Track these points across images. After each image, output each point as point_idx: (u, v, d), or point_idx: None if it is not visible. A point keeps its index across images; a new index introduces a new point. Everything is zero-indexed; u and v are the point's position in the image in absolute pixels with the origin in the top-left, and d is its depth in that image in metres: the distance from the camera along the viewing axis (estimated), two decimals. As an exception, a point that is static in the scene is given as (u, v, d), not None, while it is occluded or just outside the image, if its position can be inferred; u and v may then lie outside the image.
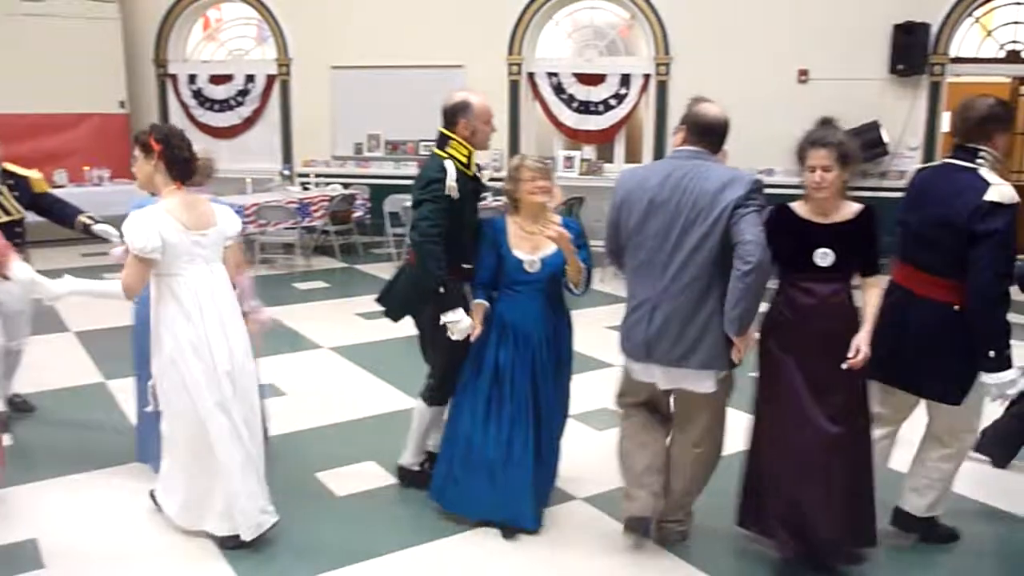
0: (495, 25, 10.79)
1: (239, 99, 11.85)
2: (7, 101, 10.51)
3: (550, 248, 3.67)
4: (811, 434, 3.24)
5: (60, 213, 4.82)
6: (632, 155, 11.22)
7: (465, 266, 3.81)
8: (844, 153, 3.22)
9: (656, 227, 3.27)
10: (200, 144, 4.51)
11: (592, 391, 4.89)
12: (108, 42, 11.20)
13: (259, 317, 4.05)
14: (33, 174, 4.80)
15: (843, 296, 3.31)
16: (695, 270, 3.23)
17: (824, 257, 3.25)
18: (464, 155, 3.79)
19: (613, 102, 10.74)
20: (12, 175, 4.68)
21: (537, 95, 10.97)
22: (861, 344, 3.23)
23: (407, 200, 9.62)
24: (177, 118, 12.01)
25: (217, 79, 11.90)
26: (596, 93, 10.77)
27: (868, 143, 9.45)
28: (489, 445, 3.67)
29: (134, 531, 3.75)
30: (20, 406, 5.01)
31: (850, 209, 3.30)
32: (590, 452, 4.49)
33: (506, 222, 3.77)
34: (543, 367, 3.71)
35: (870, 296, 3.33)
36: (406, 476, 4.18)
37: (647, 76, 10.60)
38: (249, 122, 11.87)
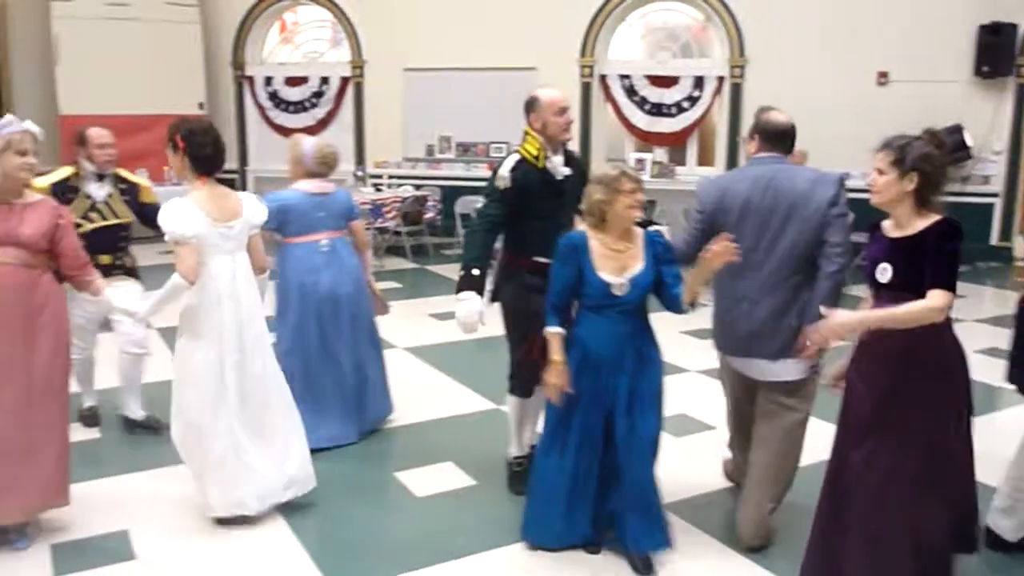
0: (568, 27, 10.78)
1: (313, 101, 12.05)
2: (91, 103, 10.81)
3: (638, 266, 3.34)
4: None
5: None
6: (704, 158, 11.11)
7: (539, 259, 3.82)
8: (902, 157, 2.87)
9: (751, 227, 3.46)
10: (320, 139, 4.88)
11: (668, 396, 4.82)
12: (188, 45, 11.48)
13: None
14: (144, 182, 4.91)
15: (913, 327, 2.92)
16: (791, 266, 3.45)
17: (883, 272, 2.96)
18: (534, 148, 3.86)
19: (686, 104, 10.64)
20: (124, 180, 4.79)
21: (609, 97, 10.93)
22: (828, 324, 2.96)
23: (479, 202, 9.67)
24: (253, 119, 12.28)
25: (292, 81, 12.12)
26: (669, 95, 10.69)
27: (950, 147, 9.19)
28: (552, 473, 3.47)
29: (221, 522, 3.82)
30: (151, 423, 4.93)
31: (924, 222, 2.90)
32: (669, 458, 4.43)
33: (586, 239, 3.36)
34: (626, 397, 3.35)
35: (908, 303, 2.85)
36: (508, 469, 4.24)
37: (721, 78, 10.49)
38: (323, 123, 12.04)
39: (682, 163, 10.95)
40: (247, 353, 3.75)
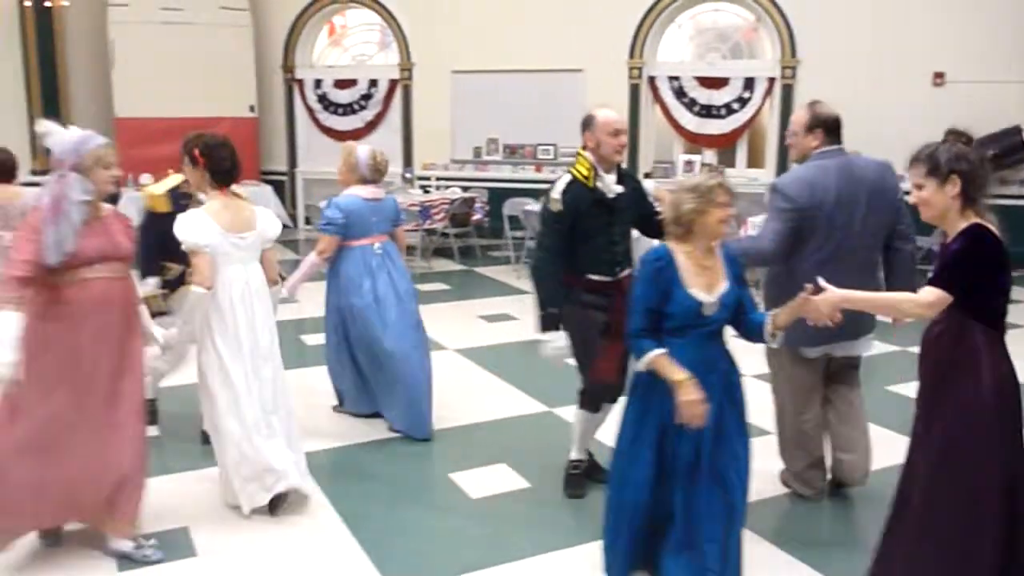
0: (616, 29, 10.73)
1: (362, 103, 12.14)
2: (145, 105, 11.05)
3: (724, 284, 3.05)
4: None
5: None
6: (754, 160, 11.00)
7: (594, 277, 3.85)
8: (935, 165, 2.75)
9: (843, 218, 3.65)
10: (371, 146, 4.96)
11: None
12: (240, 49, 11.63)
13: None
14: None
15: (941, 327, 2.82)
16: (875, 250, 3.80)
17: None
18: (585, 168, 3.83)
19: (736, 106, 10.53)
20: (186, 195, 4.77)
21: (657, 99, 10.87)
22: (827, 299, 2.89)
23: (527, 203, 9.68)
24: (303, 122, 12.41)
25: (341, 84, 12.22)
26: (718, 97, 10.59)
27: (1008, 149, 9.01)
28: (643, 509, 3.16)
29: (279, 521, 3.86)
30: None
31: (963, 225, 2.77)
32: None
33: (672, 253, 3.04)
34: (712, 430, 3.04)
35: (893, 292, 3.08)
36: (566, 472, 4.23)
37: (772, 79, 10.37)
38: (371, 126, 12.13)
39: (732, 165, 10.84)
40: (259, 359, 3.85)
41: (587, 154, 3.85)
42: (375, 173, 4.86)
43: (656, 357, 2.98)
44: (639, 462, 3.11)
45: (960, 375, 2.76)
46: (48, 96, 10.88)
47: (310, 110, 12.38)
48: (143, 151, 11.13)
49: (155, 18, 11.07)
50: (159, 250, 4.35)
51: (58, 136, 3.35)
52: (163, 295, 4.37)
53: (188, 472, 4.36)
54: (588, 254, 3.84)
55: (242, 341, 3.80)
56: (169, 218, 4.01)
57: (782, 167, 10.11)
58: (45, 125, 3.39)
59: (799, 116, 3.88)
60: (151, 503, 3.69)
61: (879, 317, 3.83)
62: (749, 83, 10.49)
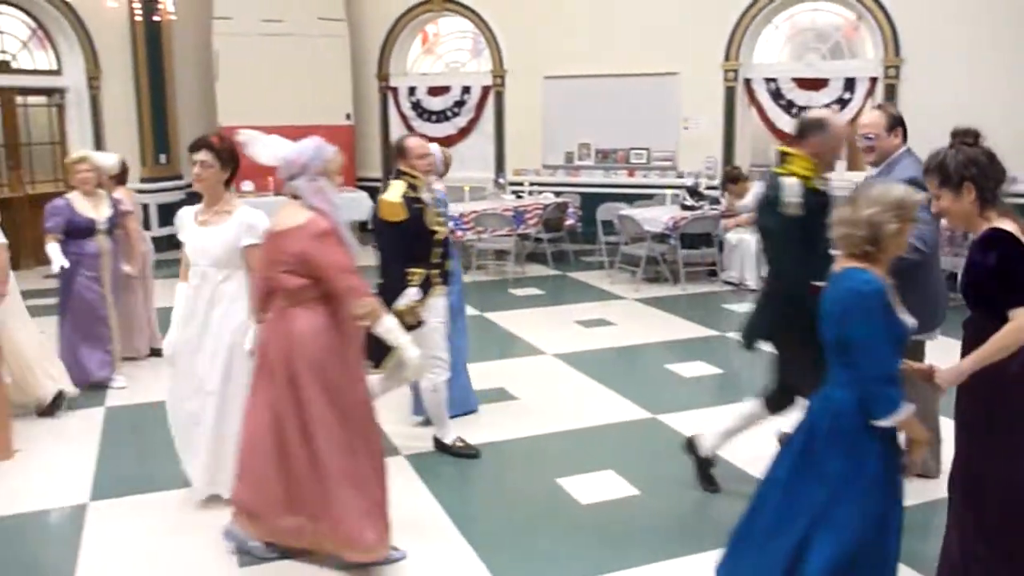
0: (711, 31, 10.59)
1: (455, 110, 12.25)
2: (246, 114, 11.32)
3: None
4: None
5: None
6: (854, 162, 10.68)
7: (818, 284, 3.69)
8: (946, 175, 2.76)
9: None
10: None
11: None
12: (337, 58, 11.87)
13: None
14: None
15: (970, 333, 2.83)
16: None
17: None
18: (808, 170, 3.70)
19: (836, 107, 10.26)
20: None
21: (753, 101, 10.68)
22: (940, 373, 2.81)
23: (621, 208, 9.64)
24: (396, 129, 12.57)
25: (435, 91, 12.36)
26: (817, 98, 10.33)
27: None
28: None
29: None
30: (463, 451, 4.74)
31: (982, 228, 2.79)
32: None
33: (874, 278, 2.63)
34: None
35: (995, 335, 2.69)
36: (701, 467, 4.24)
37: (874, 80, 10.07)
38: (464, 132, 12.24)
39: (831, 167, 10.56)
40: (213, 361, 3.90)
41: (804, 154, 3.72)
42: (445, 168, 5.39)
43: (909, 414, 2.62)
44: (889, 504, 2.75)
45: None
46: (156, 106, 11.29)
47: (404, 117, 12.55)
48: (244, 159, 11.45)
49: (256, 30, 11.38)
50: (406, 257, 4.33)
51: (270, 143, 3.47)
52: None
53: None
54: (815, 260, 3.58)
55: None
56: (405, 224, 4.20)
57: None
58: (247, 134, 3.50)
59: (875, 118, 3.93)
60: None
61: None
62: (850, 84, 10.21)
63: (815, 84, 10.36)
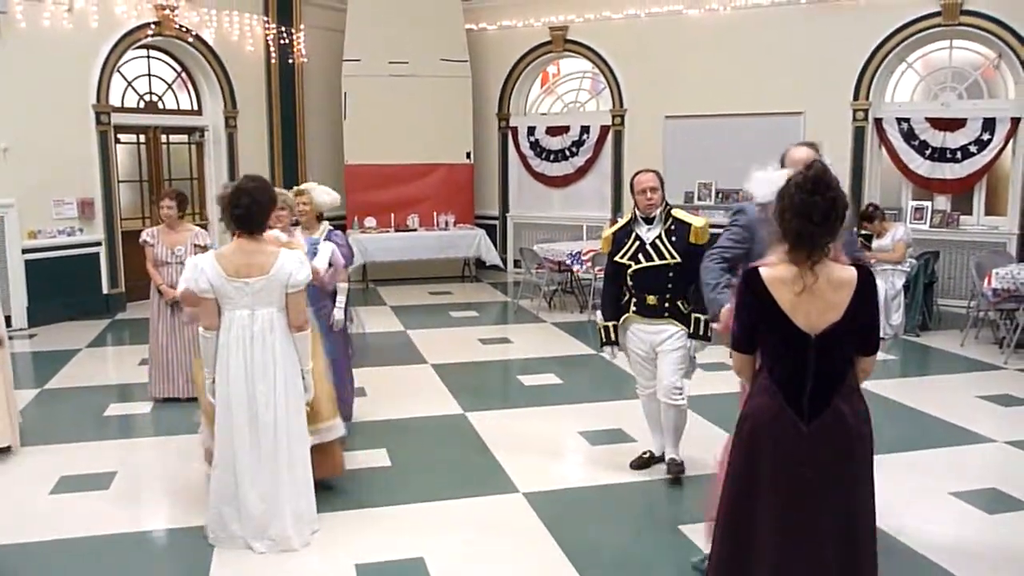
0: (839, 70, 10.32)
1: (573, 149, 12.30)
2: (371, 153, 11.73)
3: None
4: None
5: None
6: (993, 206, 10.17)
7: None
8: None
9: None
10: None
11: (974, 467, 4.41)
12: (459, 98, 12.12)
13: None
14: (696, 222, 4.93)
15: None
16: None
17: None
18: None
19: (973, 149, 9.81)
20: (677, 220, 4.88)
21: (884, 141, 10.32)
22: None
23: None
24: (515, 168, 12.71)
25: (553, 131, 12.45)
26: (953, 139, 9.91)
27: None
28: None
29: (510, 560, 3.86)
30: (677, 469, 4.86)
31: None
32: (980, 536, 4.00)
33: None
34: None
35: None
36: None
37: (1016, 120, 9.59)
38: (581, 172, 12.26)
39: (968, 212, 10.08)
40: (259, 403, 3.90)
41: None
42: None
43: None
44: None
45: None
46: (288, 143, 11.75)
47: (523, 156, 12.67)
48: (368, 196, 11.84)
49: (383, 71, 11.75)
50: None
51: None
52: None
53: (423, 504, 4.44)
54: None
55: (235, 383, 3.89)
56: None
57: (1028, 214, 9.31)
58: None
59: None
60: (390, 530, 3.76)
61: None
62: (989, 124, 9.75)
63: (951, 124, 9.94)
